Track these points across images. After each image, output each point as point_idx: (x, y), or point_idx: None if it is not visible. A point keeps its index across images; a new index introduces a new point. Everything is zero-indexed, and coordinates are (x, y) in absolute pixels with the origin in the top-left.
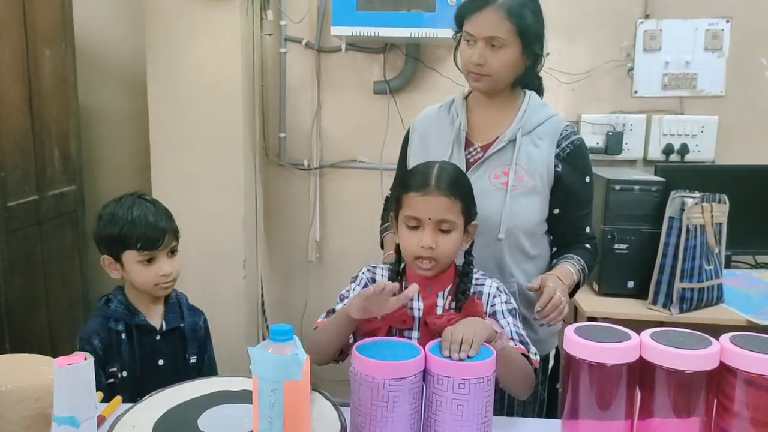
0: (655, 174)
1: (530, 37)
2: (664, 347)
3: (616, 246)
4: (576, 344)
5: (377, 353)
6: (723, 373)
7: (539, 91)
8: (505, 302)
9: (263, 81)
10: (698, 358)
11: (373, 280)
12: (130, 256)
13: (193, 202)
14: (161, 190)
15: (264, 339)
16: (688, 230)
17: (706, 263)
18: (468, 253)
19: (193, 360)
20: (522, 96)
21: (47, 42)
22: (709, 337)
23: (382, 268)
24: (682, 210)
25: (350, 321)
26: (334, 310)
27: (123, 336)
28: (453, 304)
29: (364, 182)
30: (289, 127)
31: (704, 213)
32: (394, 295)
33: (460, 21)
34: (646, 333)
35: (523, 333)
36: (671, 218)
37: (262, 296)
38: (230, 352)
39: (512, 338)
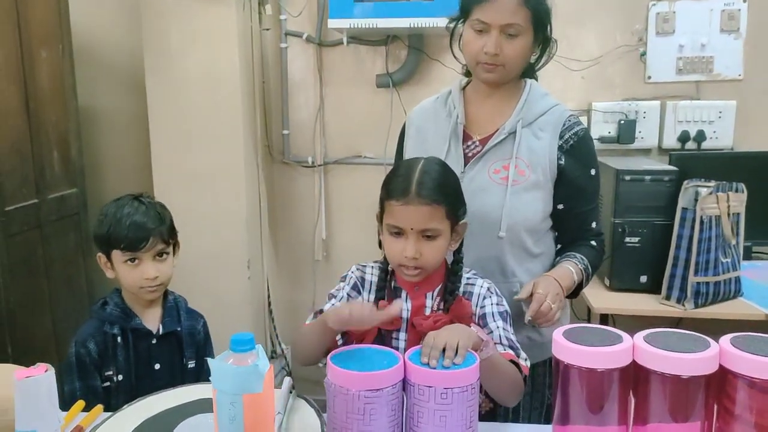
0: (670, 163)
1: (543, 24)
2: (658, 351)
3: (628, 239)
4: (565, 348)
5: (353, 363)
6: (723, 376)
7: (534, 80)
8: (496, 304)
9: (264, 77)
10: (695, 362)
11: (363, 280)
12: (116, 256)
13: (194, 202)
14: (163, 190)
15: (271, 341)
16: (702, 221)
17: (723, 255)
18: (457, 252)
19: (191, 365)
20: (522, 85)
21: (43, 43)
22: (708, 338)
23: (372, 267)
24: (696, 200)
25: (330, 330)
26: (321, 311)
27: (118, 339)
28: (442, 305)
29: (370, 178)
30: (292, 123)
31: (719, 203)
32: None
33: (467, 8)
34: (640, 335)
35: (513, 338)
36: (684, 209)
37: (269, 297)
38: None
39: (500, 342)
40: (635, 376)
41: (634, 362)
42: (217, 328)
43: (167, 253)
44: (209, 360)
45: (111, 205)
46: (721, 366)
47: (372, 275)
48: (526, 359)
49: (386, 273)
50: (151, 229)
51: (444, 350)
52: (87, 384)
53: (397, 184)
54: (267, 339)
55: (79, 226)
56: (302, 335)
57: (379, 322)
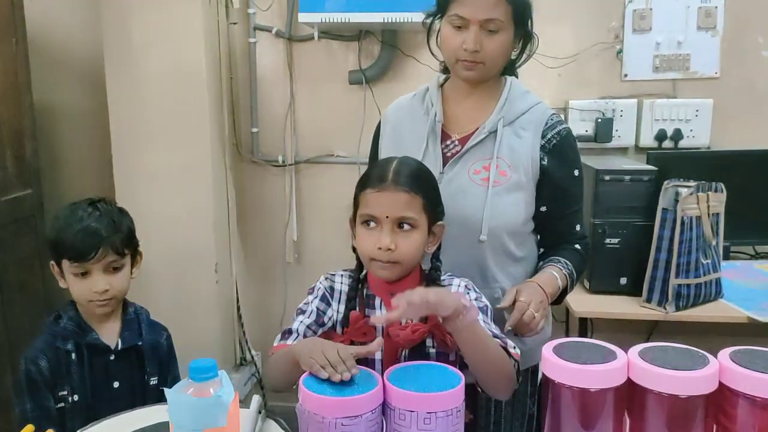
0: (648, 162)
1: (524, 19)
2: (654, 368)
3: (608, 240)
4: (555, 366)
5: (327, 385)
6: (723, 394)
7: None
8: (475, 299)
9: (232, 73)
10: (694, 381)
11: (332, 290)
12: (66, 266)
13: (159, 203)
14: (124, 190)
15: (241, 347)
16: (683, 222)
17: (703, 257)
18: (435, 258)
19: (153, 381)
20: (503, 83)
21: None
22: (707, 354)
23: (342, 276)
24: (676, 201)
25: (298, 363)
26: (290, 331)
27: (73, 356)
28: None
29: (342, 177)
30: (261, 121)
31: (700, 203)
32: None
33: (445, 2)
34: (635, 350)
35: (497, 331)
36: (665, 210)
37: (238, 301)
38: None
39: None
40: (630, 395)
41: (629, 380)
42: (184, 334)
43: (122, 266)
44: (166, 390)
45: (65, 209)
46: (720, 383)
47: (342, 284)
48: (515, 347)
49: (357, 281)
50: (103, 237)
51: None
52: (39, 405)
53: (373, 173)
54: (236, 345)
55: (35, 229)
56: (272, 365)
57: (356, 356)
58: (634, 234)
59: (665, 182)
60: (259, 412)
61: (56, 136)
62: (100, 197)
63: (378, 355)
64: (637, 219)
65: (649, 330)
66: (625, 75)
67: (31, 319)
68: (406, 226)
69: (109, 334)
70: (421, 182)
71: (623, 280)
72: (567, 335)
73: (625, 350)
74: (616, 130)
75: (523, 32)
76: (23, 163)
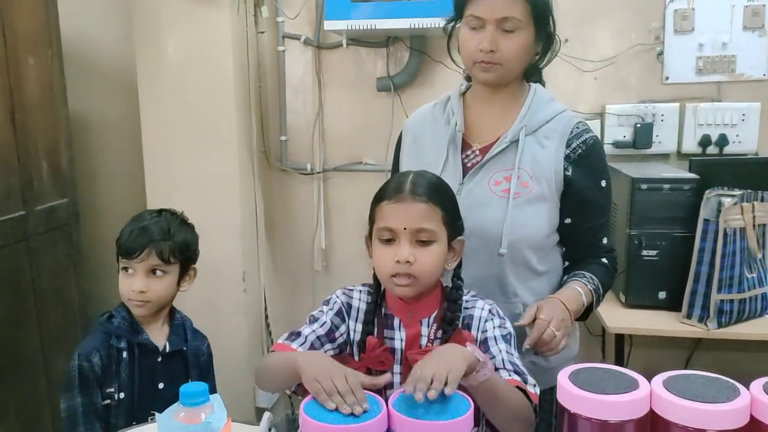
0: (690, 169)
1: (545, 18)
2: (680, 400)
3: (645, 252)
4: (571, 395)
5: (329, 413)
6: (755, 430)
7: (540, 84)
8: (499, 326)
9: (261, 81)
10: (724, 414)
11: (349, 306)
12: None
13: (188, 211)
14: (155, 198)
15: None
16: (725, 234)
17: (748, 271)
18: (457, 276)
19: None
20: (527, 90)
21: (30, 50)
22: (737, 385)
23: (360, 291)
24: (719, 211)
25: (299, 376)
26: (298, 334)
27: (124, 354)
28: (439, 333)
29: (371, 185)
30: (290, 129)
31: (744, 214)
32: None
33: (461, 5)
34: (658, 379)
35: (519, 362)
36: (706, 221)
37: (266, 309)
38: (232, 372)
39: (504, 368)
40: (653, 429)
41: (651, 412)
42: (212, 342)
43: (165, 272)
44: (157, 415)
45: (139, 213)
46: (752, 417)
47: (360, 301)
48: (534, 385)
49: (375, 299)
50: (151, 240)
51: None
52: (88, 401)
53: (390, 185)
54: (264, 353)
55: (70, 237)
56: (268, 363)
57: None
58: (674, 246)
59: (707, 191)
60: (270, 429)
61: (91, 146)
62: (174, 210)
63: (396, 379)
64: (676, 230)
65: (691, 346)
66: (666, 78)
67: (64, 326)
68: (424, 237)
69: (158, 337)
70: (439, 194)
71: (662, 294)
72: (603, 351)
73: (665, 369)
74: (657, 136)
75: (544, 33)
76: (59, 172)
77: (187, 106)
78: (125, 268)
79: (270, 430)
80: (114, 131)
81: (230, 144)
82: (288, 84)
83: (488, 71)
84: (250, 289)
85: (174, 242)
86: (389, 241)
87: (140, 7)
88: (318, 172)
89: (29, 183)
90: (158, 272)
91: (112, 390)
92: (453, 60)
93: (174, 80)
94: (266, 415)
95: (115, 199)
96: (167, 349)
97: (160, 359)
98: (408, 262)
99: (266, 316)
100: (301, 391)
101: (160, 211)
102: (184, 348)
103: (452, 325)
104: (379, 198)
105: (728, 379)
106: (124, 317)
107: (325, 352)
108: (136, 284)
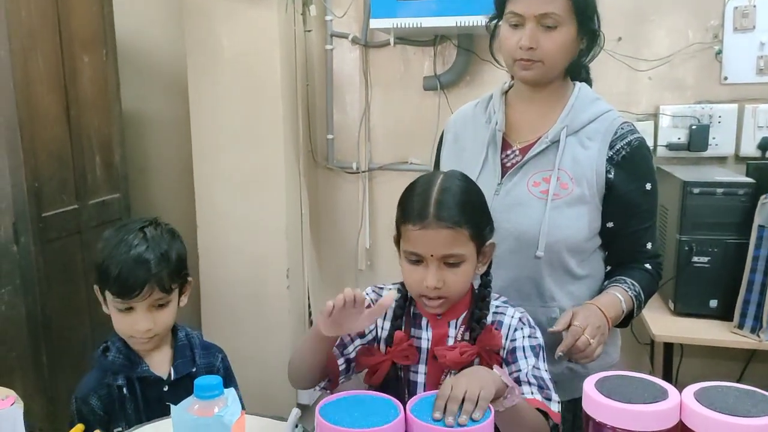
0: (747, 173)
1: (587, 13)
2: (711, 413)
3: (696, 259)
4: (596, 403)
5: (346, 414)
6: None
7: (587, 83)
8: (528, 336)
9: (308, 80)
10: (757, 430)
11: None
12: (108, 296)
13: (234, 207)
14: (203, 195)
15: None
16: None
17: None
18: (485, 274)
19: None
20: (570, 89)
21: (86, 48)
22: None
23: (390, 290)
24: None
25: (323, 338)
26: None
27: (124, 391)
28: (467, 335)
29: None
30: (336, 127)
31: None
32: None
33: (501, 1)
34: (690, 390)
35: (546, 375)
36: (761, 227)
37: (309, 307)
38: (274, 368)
39: (528, 382)
40: None
41: (681, 423)
42: (255, 338)
43: (168, 302)
44: (172, 407)
45: (114, 233)
46: None
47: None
48: (558, 402)
49: (405, 298)
50: (150, 275)
51: (463, 401)
52: None
53: (413, 204)
54: None
55: None
56: (295, 351)
57: (372, 318)
58: (726, 253)
59: (762, 197)
60: (296, 426)
61: (142, 142)
62: (152, 219)
63: (421, 378)
64: (729, 236)
65: (745, 358)
66: (725, 78)
67: None
68: (453, 261)
69: (161, 364)
70: (465, 212)
71: (713, 303)
72: (651, 360)
73: (717, 379)
74: (713, 138)
75: (587, 29)
76: (112, 168)
77: (235, 104)
78: (123, 309)
79: (296, 426)
80: (165, 128)
81: (277, 142)
82: (335, 83)
83: (528, 69)
84: (293, 286)
85: (171, 266)
86: (417, 262)
87: (192, 8)
88: (363, 171)
89: (83, 178)
90: (161, 304)
91: (120, 429)
92: (495, 59)
93: (223, 79)
94: (294, 411)
95: (165, 194)
96: (172, 377)
97: (166, 388)
98: (437, 288)
99: (309, 314)
100: (331, 387)
101: (142, 228)
102: (193, 370)
103: (480, 323)
104: (404, 216)
105: (763, 392)
106: (119, 349)
107: (355, 347)
108: (141, 323)
